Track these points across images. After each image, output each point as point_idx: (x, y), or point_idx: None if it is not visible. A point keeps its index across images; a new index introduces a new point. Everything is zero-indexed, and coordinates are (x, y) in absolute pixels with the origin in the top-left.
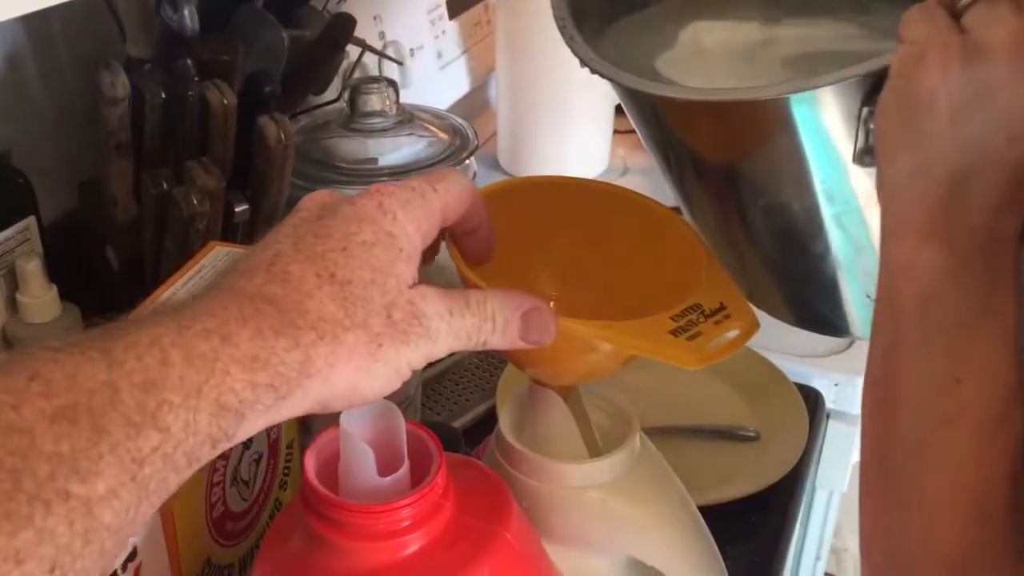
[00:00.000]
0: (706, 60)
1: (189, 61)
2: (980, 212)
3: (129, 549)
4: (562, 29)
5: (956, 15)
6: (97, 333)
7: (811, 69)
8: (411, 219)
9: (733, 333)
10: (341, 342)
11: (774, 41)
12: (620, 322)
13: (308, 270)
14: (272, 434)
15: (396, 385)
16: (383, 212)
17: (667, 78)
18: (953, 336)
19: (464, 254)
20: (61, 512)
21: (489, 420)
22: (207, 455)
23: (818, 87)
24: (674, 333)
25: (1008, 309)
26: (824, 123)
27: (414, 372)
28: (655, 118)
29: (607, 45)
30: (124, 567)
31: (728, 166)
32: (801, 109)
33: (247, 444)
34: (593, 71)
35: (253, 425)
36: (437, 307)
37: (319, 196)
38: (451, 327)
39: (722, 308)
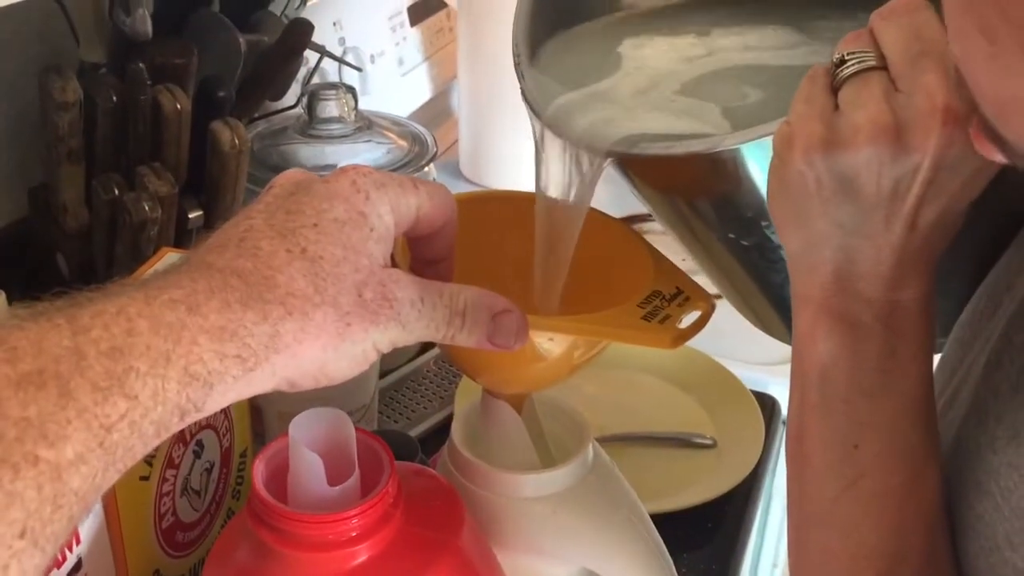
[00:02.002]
0: (611, 92)
1: (142, 65)
2: (874, 288)
3: (74, 560)
4: (517, 66)
5: (836, 88)
6: (63, 303)
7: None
8: (384, 200)
9: (696, 313)
10: (310, 319)
11: (712, 52)
12: (592, 314)
13: (279, 246)
14: (224, 443)
15: (363, 367)
16: (356, 190)
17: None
18: (851, 403)
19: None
20: (30, 476)
21: (447, 428)
22: (175, 425)
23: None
24: (646, 319)
25: (914, 371)
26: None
27: (379, 355)
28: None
29: (548, 57)
30: None
31: (679, 202)
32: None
33: (198, 453)
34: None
35: (222, 397)
36: (410, 293)
37: (292, 174)
38: (422, 315)
39: (680, 292)
